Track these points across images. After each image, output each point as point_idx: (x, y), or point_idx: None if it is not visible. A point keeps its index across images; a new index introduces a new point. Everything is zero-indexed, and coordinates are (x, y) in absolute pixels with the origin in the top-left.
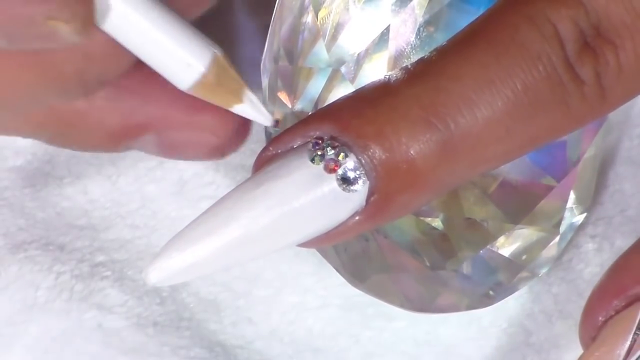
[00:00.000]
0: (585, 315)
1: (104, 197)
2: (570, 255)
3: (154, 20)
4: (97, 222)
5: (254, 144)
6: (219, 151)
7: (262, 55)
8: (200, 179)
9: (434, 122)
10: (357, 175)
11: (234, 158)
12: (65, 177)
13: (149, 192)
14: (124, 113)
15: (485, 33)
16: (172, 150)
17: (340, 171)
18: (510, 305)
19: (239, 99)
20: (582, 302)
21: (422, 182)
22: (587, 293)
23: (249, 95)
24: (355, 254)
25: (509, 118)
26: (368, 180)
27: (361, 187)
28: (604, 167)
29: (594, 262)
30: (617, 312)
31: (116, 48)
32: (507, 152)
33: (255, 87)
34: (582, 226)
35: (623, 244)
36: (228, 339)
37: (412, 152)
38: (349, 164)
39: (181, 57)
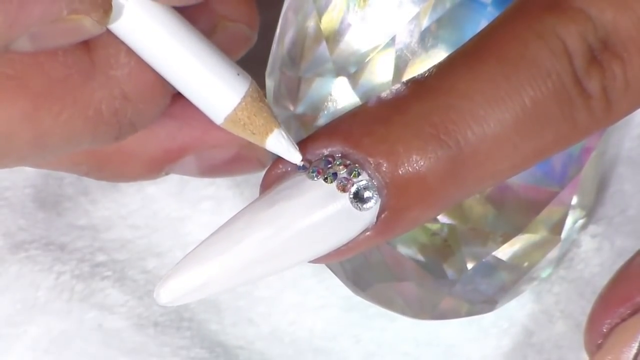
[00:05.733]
0: (590, 322)
1: (105, 197)
2: (571, 255)
3: (189, 46)
4: (97, 222)
5: None
6: (260, 164)
7: (262, 54)
8: (201, 180)
9: (444, 139)
10: (370, 194)
11: None
12: (66, 177)
13: (149, 192)
14: (163, 138)
15: (495, 48)
16: (213, 170)
17: (353, 190)
18: (511, 306)
19: (269, 136)
20: (583, 302)
21: (432, 198)
22: (588, 293)
23: (280, 133)
24: (358, 262)
25: (516, 134)
26: (380, 197)
27: (373, 205)
28: (604, 168)
29: (594, 262)
30: (623, 320)
31: (153, 89)
32: (513, 167)
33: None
34: (585, 223)
35: (623, 243)
36: (229, 340)
37: (423, 169)
38: (362, 182)
39: (216, 87)
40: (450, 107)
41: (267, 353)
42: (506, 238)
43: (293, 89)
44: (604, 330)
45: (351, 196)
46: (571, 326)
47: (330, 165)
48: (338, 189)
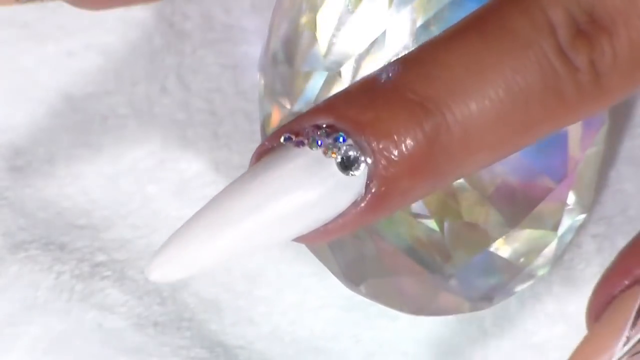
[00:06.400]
0: (592, 296)
1: (105, 197)
2: (571, 255)
3: None
4: (97, 222)
5: (255, 144)
6: None
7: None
8: (201, 179)
9: (428, 107)
10: (357, 155)
11: (234, 158)
12: (66, 177)
13: (149, 192)
14: None
15: (477, 22)
16: None
17: (339, 154)
18: (512, 305)
19: None
20: (584, 302)
21: (419, 167)
22: (589, 293)
23: None
24: (352, 257)
25: (500, 103)
26: (366, 165)
27: (360, 172)
28: (605, 167)
29: (595, 262)
30: (622, 291)
31: None
32: (503, 140)
33: (255, 87)
34: (583, 226)
35: (624, 243)
36: (229, 339)
37: (408, 136)
38: (348, 146)
39: None
40: (431, 77)
41: (267, 353)
42: (502, 234)
43: (288, 88)
44: (603, 303)
45: (338, 160)
46: (572, 326)
47: (316, 133)
48: (324, 153)
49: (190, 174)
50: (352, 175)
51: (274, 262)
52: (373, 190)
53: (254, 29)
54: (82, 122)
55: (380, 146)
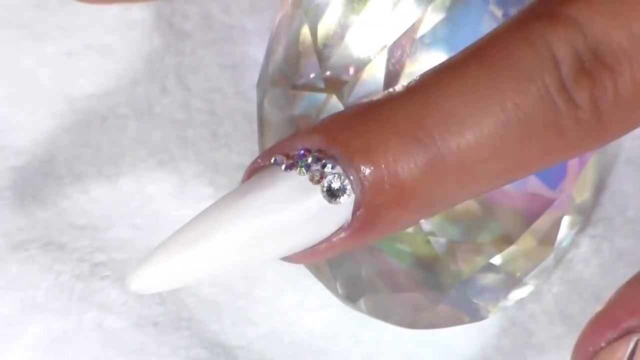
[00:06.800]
0: (577, 345)
1: (104, 197)
2: (570, 256)
3: None
4: (97, 221)
5: (255, 144)
6: None
7: (262, 55)
8: (200, 179)
9: (421, 137)
10: (343, 187)
11: (234, 158)
12: (65, 177)
13: (149, 192)
14: None
15: (480, 53)
16: None
17: (325, 182)
18: (511, 306)
19: None
20: (583, 303)
21: (408, 198)
22: (587, 293)
23: None
24: (351, 274)
25: (498, 137)
26: (354, 193)
27: (347, 200)
28: (604, 169)
29: (593, 263)
30: (608, 343)
31: None
32: (498, 174)
33: (255, 87)
34: (582, 227)
35: (623, 244)
36: (228, 339)
37: (398, 166)
38: (335, 175)
39: None
40: (428, 106)
41: (267, 353)
42: (500, 247)
43: (286, 101)
44: (590, 353)
45: (323, 189)
46: (571, 327)
47: (304, 158)
48: (310, 180)
49: (190, 174)
50: (337, 203)
51: (273, 262)
52: (359, 218)
53: (253, 29)
54: (82, 123)
55: (369, 174)
